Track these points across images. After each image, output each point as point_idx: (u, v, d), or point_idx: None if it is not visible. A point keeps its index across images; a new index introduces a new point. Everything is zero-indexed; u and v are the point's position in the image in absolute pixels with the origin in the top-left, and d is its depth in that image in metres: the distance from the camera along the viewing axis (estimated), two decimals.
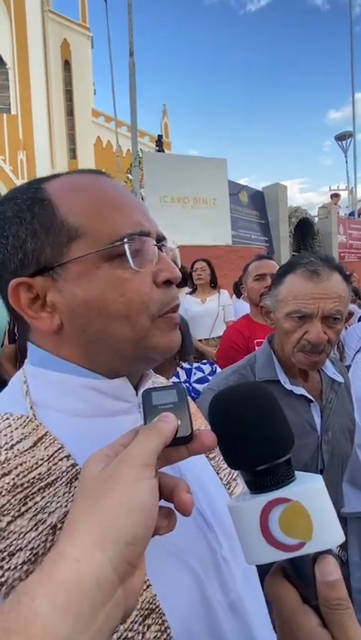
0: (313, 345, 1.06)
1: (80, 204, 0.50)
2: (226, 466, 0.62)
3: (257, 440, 0.41)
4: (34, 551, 0.39)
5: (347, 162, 17.04)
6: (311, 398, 1.16)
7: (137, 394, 0.54)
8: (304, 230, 10.97)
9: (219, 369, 2.07)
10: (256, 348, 2.13)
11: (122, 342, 0.50)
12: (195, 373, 1.99)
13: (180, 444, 0.39)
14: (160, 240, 0.55)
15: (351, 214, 13.47)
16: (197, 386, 1.95)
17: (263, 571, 0.43)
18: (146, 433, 0.38)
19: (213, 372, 2.02)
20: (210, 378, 1.98)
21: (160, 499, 0.37)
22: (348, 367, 1.66)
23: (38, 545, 0.40)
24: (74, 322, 0.49)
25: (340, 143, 17.41)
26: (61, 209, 0.49)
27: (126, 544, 0.32)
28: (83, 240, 0.48)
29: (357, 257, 11.36)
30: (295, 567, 0.40)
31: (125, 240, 0.48)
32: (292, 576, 0.41)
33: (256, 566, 0.43)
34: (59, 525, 0.41)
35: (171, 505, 0.39)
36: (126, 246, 0.48)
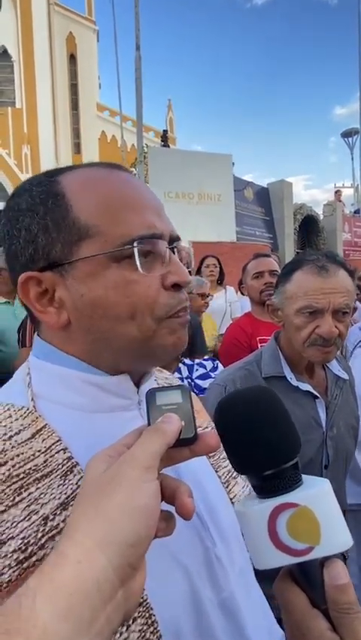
0: (325, 339, 1.07)
1: (93, 202, 0.49)
2: (225, 464, 0.62)
3: (264, 445, 0.40)
4: (25, 540, 0.40)
5: (353, 159, 16.95)
6: (317, 394, 1.17)
7: (138, 391, 0.54)
8: (309, 227, 10.93)
9: (221, 366, 2.07)
10: (259, 345, 2.14)
11: (127, 343, 0.50)
12: (197, 369, 1.99)
13: (184, 445, 0.39)
14: (173, 240, 0.54)
15: (356, 212, 13.39)
16: (199, 382, 1.95)
17: (270, 574, 0.43)
18: (150, 435, 0.38)
19: (215, 369, 2.02)
20: (212, 374, 1.98)
21: (161, 502, 0.37)
22: None
23: (29, 535, 0.40)
24: (80, 320, 0.50)
25: (346, 139, 17.30)
26: (74, 206, 0.49)
27: (128, 546, 0.32)
28: (94, 240, 0.48)
29: None
30: (304, 571, 0.40)
31: (135, 244, 0.48)
32: (300, 580, 0.40)
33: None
34: (51, 516, 0.42)
35: (172, 508, 0.39)
36: (135, 250, 0.48)
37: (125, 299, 0.48)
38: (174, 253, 0.53)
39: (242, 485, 0.63)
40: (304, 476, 0.42)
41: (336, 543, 0.39)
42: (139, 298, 0.48)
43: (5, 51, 30.59)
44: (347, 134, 17.19)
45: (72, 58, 33.25)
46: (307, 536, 0.38)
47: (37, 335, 0.55)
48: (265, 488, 0.41)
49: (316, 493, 0.40)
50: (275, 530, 0.39)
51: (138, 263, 0.48)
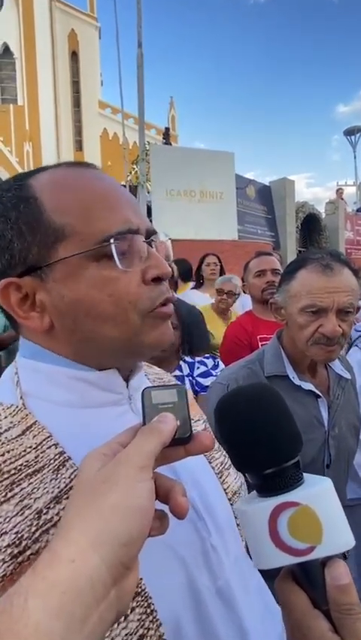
0: (329, 338, 1.07)
1: (65, 203, 0.49)
2: (218, 456, 0.63)
3: (265, 443, 0.40)
4: (19, 535, 0.40)
5: (355, 157, 16.90)
6: (319, 393, 1.17)
7: (128, 385, 0.54)
8: (311, 225, 10.91)
9: (221, 364, 2.07)
10: (260, 343, 2.14)
11: (112, 341, 0.50)
12: (198, 367, 1.99)
13: (179, 444, 0.39)
14: (150, 234, 0.53)
15: (359, 210, 13.36)
16: (200, 380, 1.95)
17: (271, 573, 0.43)
18: (145, 434, 0.38)
19: (215, 366, 2.02)
20: (213, 372, 1.98)
21: (155, 501, 0.37)
22: None
23: (23, 529, 0.40)
24: (63, 322, 0.50)
25: (349, 137, 17.26)
26: (46, 208, 0.49)
27: (121, 545, 0.32)
28: (70, 240, 0.48)
29: None
30: (305, 571, 0.39)
31: (112, 241, 0.48)
32: (301, 580, 0.40)
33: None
34: (45, 510, 0.42)
35: (165, 507, 0.39)
36: (113, 247, 0.48)
37: (106, 297, 0.48)
38: (151, 247, 0.53)
39: (234, 476, 0.64)
40: (305, 475, 0.42)
41: (338, 543, 0.38)
42: (120, 295, 0.48)
43: (7, 48, 30.57)
44: (349, 132, 17.15)
45: (74, 56, 33.19)
46: (309, 536, 0.38)
47: (22, 336, 0.55)
48: (266, 487, 0.41)
49: (317, 492, 0.39)
50: (276, 530, 0.39)
51: (116, 260, 0.48)
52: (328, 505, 0.39)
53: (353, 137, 16.99)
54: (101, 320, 0.48)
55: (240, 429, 0.41)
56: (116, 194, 0.52)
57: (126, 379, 0.54)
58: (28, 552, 0.40)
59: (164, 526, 0.39)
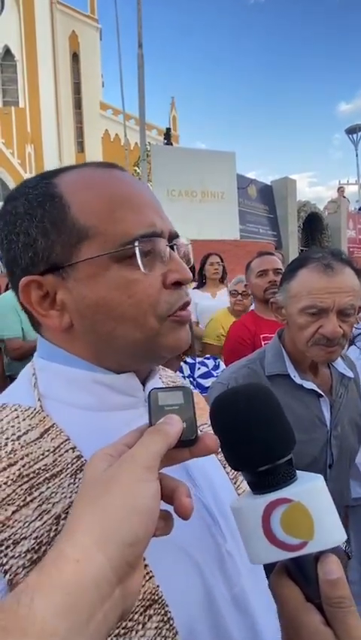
0: (329, 339, 1.06)
1: (91, 203, 0.49)
2: None
3: (258, 441, 0.41)
4: (38, 540, 0.40)
5: (357, 156, 16.84)
6: (321, 392, 1.16)
7: (144, 389, 0.54)
8: (313, 224, 10.89)
9: (222, 364, 2.07)
10: (263, 343, 2.13)
11: (130, 343, 0.50)
12: (199, 368, 1.99)
13: (184, 446, 0.40)
14: (173, 237, 0.53)
15: None
16: (201, 381, 1.95)
17: (268, 568, 0.44)
18: (151, 435, 0.38)
19: (216, 367, 2.02)
20: (213, 373, 1.98)
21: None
22: None
23: (42, 535, 0.40)
24: (83, 322, 0.49)
25: (351, 136, 17.21)
26: (72, 208, 0.49)
27: (126, 545, 0.32)
28: (94, 241, 0.48)
29: None
30: (298, 566, 0.40)
31: (137, 244, 0.48)
32: (295, 575, 0.41)
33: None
34: (63, 515, 0.42)
35: (170, 508, 0.39)
36: (137, 249, 0.48)
37: (127, 299, 0.48)
38: (173, 250, 0.53)
39: None
40: (298, 472, 0.42)
41: (330, 538, 0.39)
42: (141, 298, 0.48)
43: (8, 50, 30.70)
44: (351, 131, 17.10)
45: (75, 57, 33.29)
46: (301, 531, 0.39)
47: (40, 336, 0.55)
48: (259, 484, 0.42)
49: (309, 489, 0.40)
50: (269, 526, 0.39)
51: (139, 262, 0.48)
52: (319, 501, 0.40)
53: (355, 136, 16.93)
54: (120, 321, 0.48)
55: (233, 427, 0.42)
56: (141, 196, 0.51)
57: (143, 382, 0.54)
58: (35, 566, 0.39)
59: (169, 526, 0.39)
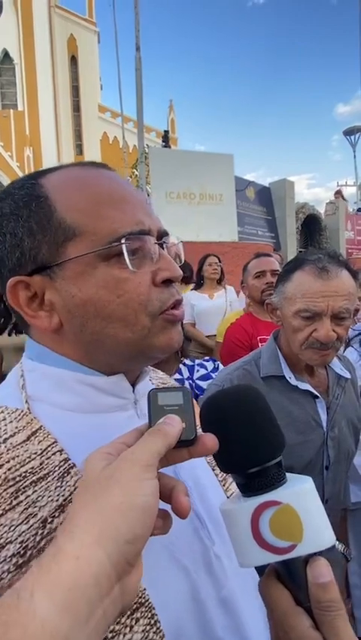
0: (323, 342, 1.05)
1: (77, 202, 0.49)
2: None
3: (247, 443, 0.41)
4: (24, 544, 0.39)
5: (355, 157, 16.88)
6: (317, 394, 1.16)
7: (134, 390, 0.54)
8: (311, 226, 10.91)
9: (221, 366, 2.06)
10: (260, 344, 2.13)
11: (121, 343, 0.49)
12: (197, 370, 1.98)
13: (183, 446, 0.40)
14: (162, 236, 0.53)
15: (359, 210, 13.34)
16: (200, 383, 1.94)
17: (260, 571, 0.43)
18: (152, 435, 0.38)
19: (215, 369, 2.02)
20: (212, 375, 1.97)
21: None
22: None
23: (28, 539, 0.40)
24: (72, 322, 0.49)
25: (348, 137, 17.25)
26: (58, 207, 0.48)
27: (125, 542, 0.32)
28: (81, 239, 0.48)
29: None
30: (288, 569, 0.40)
31: (123, 241, 0.47)
32: (284, 578, 0.41)
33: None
34: (50, 519, 0.42)
35: (168, 507, 0.39)
36: (124, 247, 0.47)
37: (116, 298, 0.48)
38: (163, 249, 0.53)
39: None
40: (288, 474, 0.42)
41: (318, 541, 0.39)
42: (130, 296, 0.48)
43: (7, 54, 30.73)
44: (349, 132, 17.14)
45: (73, 60, 33.33)
46: (290, 534, 0.39)
47: (29, 337, 0.54)
48: (249, 486, 0.42)
49: (298, 491, 0.40)
50: (258, 528, 0.39)
51: (127, 260, 0.47)
52: (308, 503, 0.40)
53: (352, 137, 16.97)
54: (110, 321, 0.48)
55: (222, 429, 0.42)
56: (128, 194, 0.51)
57: (132, 384, 0.54)
58: (33, 562, 0.39)
59: (167, 525, 0.39)
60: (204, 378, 1.96)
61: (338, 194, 12.39)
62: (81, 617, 0.29)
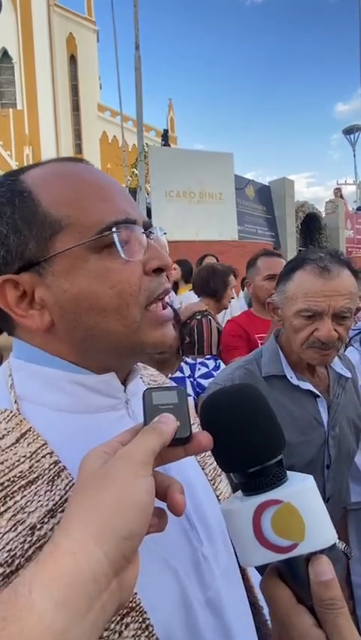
0: (323, 342, 1.05)
1: (61, 194, 0.48)
2: (211, 461, 0.63)
3: (248, 442, 0.41)
4: (12, 553, 0.38)
5: (355, 156, 16.87)
6: (318, 393, 1.16)
7: (125, 390, 0.53)
8: (311, 225, 10.90)
9: (223, 365, 2.07)
10: (259, 343, 2.13)
11: (114, 338, 0.49)
12: (199, 369, 1.98)
13: (178, 444, 0.40)
14: (147, 227, 0.53)
15: (359, 208, 13.34)
16: (202, 381, 1.95)
17: (260, 570, 0.44)
18: (147, 434, 0.38)
19: (217, 368, 2.02)
20: (214, 373, 1.97)
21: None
22: None
23: (16, 547, 0.39)
24: (65, 319, 0.48)
25: (348, 136, 17.23)
26: (42, 201, 0.47)
27: (122, 539, 0.33)
28: (68, 232, 0.47)
29: None
30: (290, 568, 0.40)
31: (114, 229, 0.47)
32: (286, 577, 0.41)
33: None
34: (39, 525, 0.40)
35: (163, 505, 0.39)
36: (115, 236, 0.47)
37: (109, 290, 0.47)
38: (150, 239, 0.52)
39: (226, 482, 0.63)
40: (289, 473, 0.42)
41: (320, 539, 0.39)
42: (123, 287, 0.47)
43: (6, 53, 30.70)
44: (348, 131, 17.12)
45: (72, 59, 33.29)
46: (292, 533, 0.39)
47: (15, 336, 0.53)
48: (250, 486, 0.42)
49: (299, 489, 0.40)
50: (260, 527, 0.39)
51: (119, 248, 0.47)
52: (310, 502, 0.40)
53: (352, 136, 16.96)
54: (104, 314, 0.47)
55: (222, 429, 0.42)
56: (110, 186, 0.51)
57: (123, 383, 0.54)
58: (21, 571, 0.38)
59: (162, 523, 0.39)
60: (205, 376, 1.96)
61: (337, 191, 12.39)
62: (79, 612, 0.29)
